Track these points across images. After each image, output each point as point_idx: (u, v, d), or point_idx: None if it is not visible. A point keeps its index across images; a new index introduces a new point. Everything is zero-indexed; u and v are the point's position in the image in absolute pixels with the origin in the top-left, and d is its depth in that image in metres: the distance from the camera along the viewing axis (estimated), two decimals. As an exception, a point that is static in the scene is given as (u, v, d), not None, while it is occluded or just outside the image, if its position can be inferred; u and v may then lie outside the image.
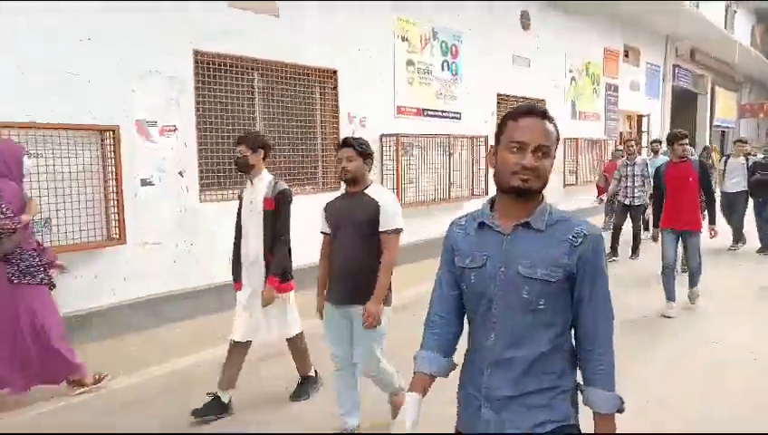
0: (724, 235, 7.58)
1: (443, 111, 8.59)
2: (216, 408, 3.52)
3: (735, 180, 8.92)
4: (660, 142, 9.98)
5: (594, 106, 12.80)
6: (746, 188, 8.80)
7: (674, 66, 16.65)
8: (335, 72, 6.88)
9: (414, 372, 1.70)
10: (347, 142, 3.07)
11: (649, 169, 8.02)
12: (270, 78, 6.31)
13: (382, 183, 7.44)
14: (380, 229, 2.98)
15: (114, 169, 4.86)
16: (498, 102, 9.67)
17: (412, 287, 5.53)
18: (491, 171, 1.64)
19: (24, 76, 4.41)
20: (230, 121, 5.91)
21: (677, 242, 5.64)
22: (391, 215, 2.99)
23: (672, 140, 5.63)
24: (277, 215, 3.49)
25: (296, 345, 3.79)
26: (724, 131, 22.75)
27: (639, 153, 9.46)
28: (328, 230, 3.16)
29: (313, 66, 6.65)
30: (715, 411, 3.60)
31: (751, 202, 8.88)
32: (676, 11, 13.30)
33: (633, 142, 8.58)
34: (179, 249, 5.44)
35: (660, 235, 5.71)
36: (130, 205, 5.02)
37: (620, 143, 12.56)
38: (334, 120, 6.94)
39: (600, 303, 1.58)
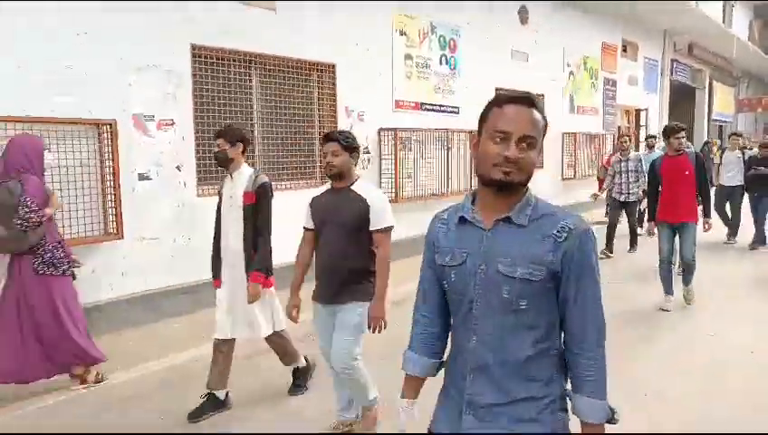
0: (717, 229, 7.60)
1: (441, 106, 8.57)
2: (212, 405, 3.50)
3: (731, 174, 8.94)
4: (655, 138, 9.96)
5: (592, 100, 12.79)
6: (742, 182, 8.81)
7: (672, 61, 16.64)
8: (333, 66, 6.86)
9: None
10: (332, 136, 2.97)
11: (644, 165, 7.98)
12: (267, 72, 6.28)
13: (380, 177, 7.44)
14: (372, 229, 2.94)
15: (111, 164, 4.84)
16: (496, 97, 9.64)
17: (409, 283, 5.48)
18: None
19: (21, 71, 4.39)
20: (228, 116, 5.88)
21: (674, 236, 5.62)
22: (381, 213, 2.93)
23: (669, 133, 5.57)
24: (259, 209, 3.40)
25: (274, 342, 3.68)
26: (721, 126, 22.76)
27: (637, 148, 9.45)
28: (311, 226, 3.09)
29: (311, 60, 6.63)
30: (715, 409, 3.60)
31: (746, 197, 8.90)
32: (675, 7, 13.29)
33: (627, 138, 8.48)
34: (177, 244, 5.43)
35: (657, 229, 5.70)
36: (128, 199, 5.01)
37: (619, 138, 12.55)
38: (332, 114, 6.92)
39: (589, 303, 1.46)
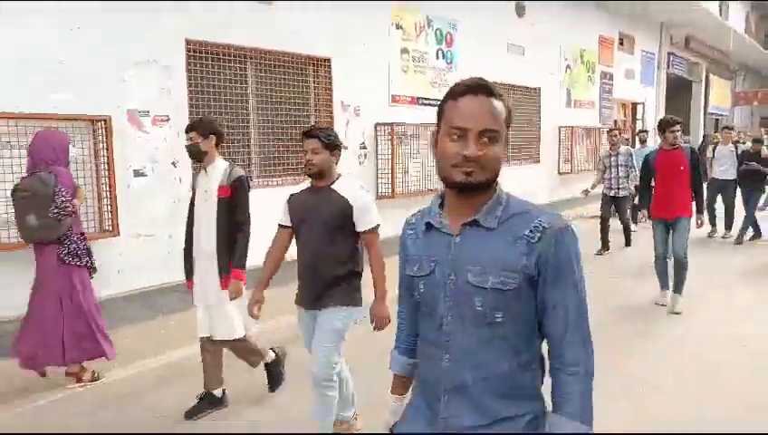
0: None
1: (438, 100, 8.50)
2: (208, 403, 3.49)
3: (723, 168, 8.91)
4: (647, 132, 9.92)
5: (589, 94, 12.78)
6: (735, 177, 8.82)
7: (668, 54, 16.62)
8: (329, 60, 6.82)
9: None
10: (312, 133, 2.80)
11: (634, 160, 7.93)
12: (263, 66, 6.25)
13: (377, 172, 7.41)
14: (359, 230, 2.85)
15: (106, 160, 4.82)
16: (493, 91, 9.60)
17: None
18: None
19: (15, 66, 4.35)
20: (223, 111, 5.85)
21: (669, 232, 5.51)
22: (366, 213, 2.84)
23: (664, 126, 5.40)
24: (236, 203, 3.28)
25: (236, 348, 3.51)
26: (718, 119, 22.76)
27: (636, 143, 9.42)
28: (288, 223, 2.95)
29: (307, 54, 6.59)
30: (709, 406, 3.62)
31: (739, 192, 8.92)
32: (674, 4, 13.28)
33: (617, 132, 8.35)
34: (173, 240, 5.38)
35: (651, 225, 5.65)
36: (123, 196, 4.98)
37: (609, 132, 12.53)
38: (328, 108, 6.89)
39: (570, 310, 1.29)
